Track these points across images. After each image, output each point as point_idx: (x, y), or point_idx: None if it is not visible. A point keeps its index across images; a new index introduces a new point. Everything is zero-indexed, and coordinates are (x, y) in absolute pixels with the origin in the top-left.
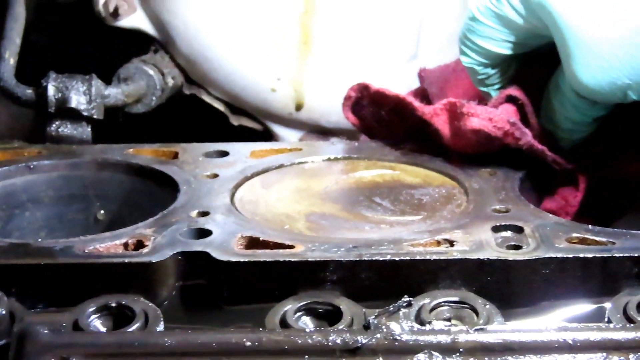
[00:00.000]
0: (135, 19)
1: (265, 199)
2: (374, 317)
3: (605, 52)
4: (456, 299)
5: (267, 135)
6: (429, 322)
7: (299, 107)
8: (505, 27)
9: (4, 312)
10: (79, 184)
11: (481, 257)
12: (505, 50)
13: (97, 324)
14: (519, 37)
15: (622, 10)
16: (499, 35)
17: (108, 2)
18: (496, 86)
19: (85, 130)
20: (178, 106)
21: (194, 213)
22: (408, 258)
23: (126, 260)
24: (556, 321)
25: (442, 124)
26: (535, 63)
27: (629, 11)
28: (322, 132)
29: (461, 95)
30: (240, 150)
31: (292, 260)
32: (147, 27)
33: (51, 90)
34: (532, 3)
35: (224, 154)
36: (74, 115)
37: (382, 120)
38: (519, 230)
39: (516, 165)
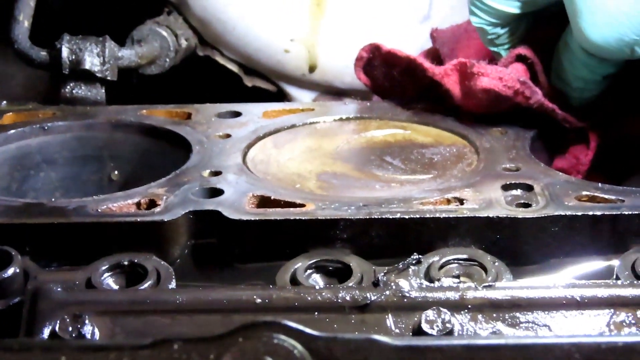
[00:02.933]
0: None
1: (277, 159)
2: (383, 274)
3: (612, 9)
4: (465, 256)
5: (281, 97)
6: (438, 279)
7: (312, 68)
8: None
9: (18, 270)
10: (93, 144)
11: (490, 215)
12: (514, 9)
13: (110, 281)
14: None
15: None
16: None
17: None
18: (506, 46)
19: (99, 92)
20: (192, 68)
21: (206, 173)
22: (418, 216)
23: (139, 219)
24: (565, 278)
25: (452, 84)
26: (544, 22)
27: None
28: (336, 93)
29: (472, 55)
30: (252, 111)
31: (303, 218)
32: None
33: (65, 52)
34: None
35: (237, 114)
36: (88, 77)
37: (393, 81)
38: (528, 188)
39: (527, 125)
